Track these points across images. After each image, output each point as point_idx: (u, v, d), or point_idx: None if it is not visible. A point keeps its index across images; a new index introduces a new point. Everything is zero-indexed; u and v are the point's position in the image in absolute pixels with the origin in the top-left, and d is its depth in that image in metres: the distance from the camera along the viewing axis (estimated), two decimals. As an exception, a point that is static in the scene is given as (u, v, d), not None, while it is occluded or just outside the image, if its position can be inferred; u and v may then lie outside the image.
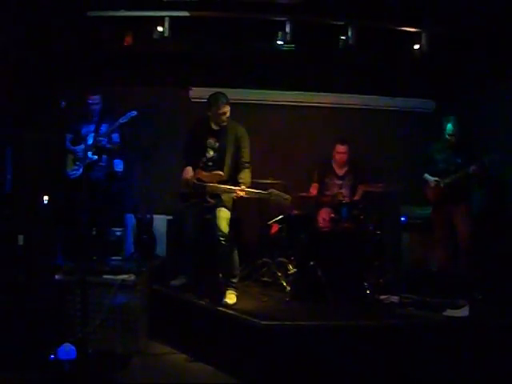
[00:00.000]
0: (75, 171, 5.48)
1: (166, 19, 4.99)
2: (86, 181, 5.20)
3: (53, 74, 6.24)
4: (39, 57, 5.63)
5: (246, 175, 4.62)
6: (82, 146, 5.43)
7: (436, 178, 5.27)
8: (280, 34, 5.01)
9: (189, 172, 4.73)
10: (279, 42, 5.06)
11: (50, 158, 4.43)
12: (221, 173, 4.64)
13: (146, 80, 6.58)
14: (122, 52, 5.45)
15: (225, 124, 4.72)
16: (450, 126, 5.20)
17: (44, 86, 6.22)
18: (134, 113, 5.46)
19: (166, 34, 5.01)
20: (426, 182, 5.40)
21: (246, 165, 4.68)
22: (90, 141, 5.41)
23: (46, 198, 4.25)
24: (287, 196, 4.35)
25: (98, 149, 5.43)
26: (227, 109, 4.67)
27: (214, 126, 4.78)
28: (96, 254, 5.42)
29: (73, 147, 5.51)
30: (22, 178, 4.38)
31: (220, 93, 4.73)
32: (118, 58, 5.75)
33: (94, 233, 5.53)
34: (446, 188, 5.17)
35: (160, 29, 5.00)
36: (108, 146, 5.48)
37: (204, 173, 4.72)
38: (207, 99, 4.74)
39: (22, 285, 4.19)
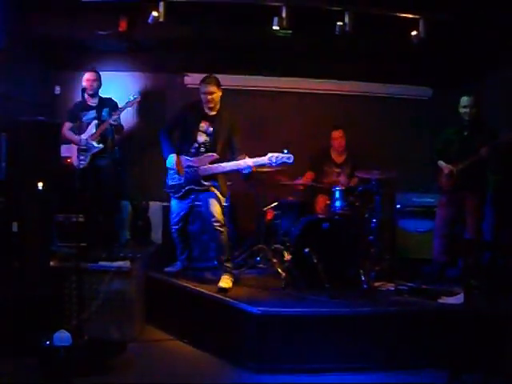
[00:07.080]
0: (81, 161, 5.27)
1: (161, 4, 4.92)
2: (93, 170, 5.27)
3: (47, 60, 6.20)
4: (35, 42, 5.58)
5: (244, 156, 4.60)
6: (85, 136, 5.34)
7: (449, 166, 5.01)
8: (276, 19, 4.95)
9: (177, 161, 4.68)
10: (275, 28, 5.00)
11: (45, 144, 4.38)
12: (213, 154, 4.63)
13: (141, 66, 6.53)
14: (116, 37, 5.39)
15: (212, 106, 4.69)
16: (464, 98, 4.93)
17: (39, 71, 6.19)
18: (138, 96, 5.40)
19: (161, 19, 4.95)
20: (440, 169, 5.11)
21: (240, 151, 4.68)
22: (93, 130, 5.31)
23: (40, 184, 4.21)
24: (289, 155, 4.39)
25: (102, 137, 5.34)
26: (212, 89, 4.62)
27: (207, 111, 4.75)
28: (103, 242, 5.41)
29: (76, 137, 5.32)
30: (17, 165, 4.34)
31: (210, 75, 4.70)
32: (112, 44, 5.70)
33: (101, 219, 5.48)
34: (460, 175, 4.93)
35: (155, 14, 4.95)
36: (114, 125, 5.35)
37: (192, 158, 4.70)
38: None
39: (17, 272, 4.18)
